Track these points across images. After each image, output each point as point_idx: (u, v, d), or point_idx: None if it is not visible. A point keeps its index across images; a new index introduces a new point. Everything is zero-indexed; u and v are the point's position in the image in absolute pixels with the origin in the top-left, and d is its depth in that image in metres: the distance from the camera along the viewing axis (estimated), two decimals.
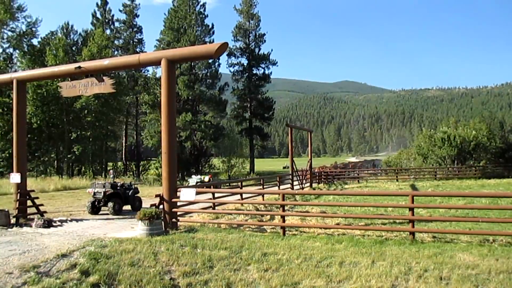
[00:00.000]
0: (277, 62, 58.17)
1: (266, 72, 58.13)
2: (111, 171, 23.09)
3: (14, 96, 14.52)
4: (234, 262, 8.28)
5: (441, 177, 35.83)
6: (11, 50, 49.95)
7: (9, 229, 12.19)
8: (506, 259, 7.78)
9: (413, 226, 10.01)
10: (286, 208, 12.17)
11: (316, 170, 35.16)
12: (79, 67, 13.03)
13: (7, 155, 40.67)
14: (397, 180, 35.75)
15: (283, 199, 11.39)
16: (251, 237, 10.14)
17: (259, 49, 57.92)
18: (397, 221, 12.53)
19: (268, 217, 14.38)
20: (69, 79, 14.39)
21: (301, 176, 27.20)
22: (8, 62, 48.34)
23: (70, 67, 13.61)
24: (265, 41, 58.51)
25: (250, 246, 9.13)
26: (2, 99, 40.89)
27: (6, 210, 13.32)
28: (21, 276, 7.09)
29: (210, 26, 52.29)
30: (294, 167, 26.08)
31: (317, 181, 32.94)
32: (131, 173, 51.82)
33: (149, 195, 20.37)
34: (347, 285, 7.16)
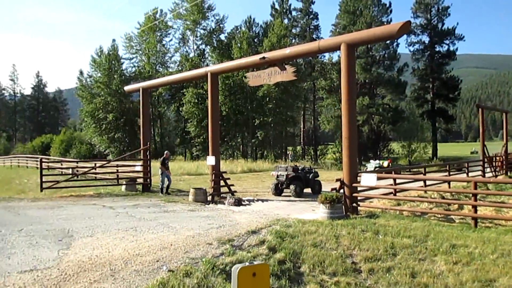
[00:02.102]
0: (463, 37, 52.62)
1: (451, 48, 53.03)
2: (290, 154, 24.02)
3: (208, 87, 16.23)
4: (418, 251, 7.89)
5: None
6: (203, 46, 56.19)
7: (206, 205, 13.82)
8: None
9: None
10: (478, 197, 11.07)
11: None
12: (264, 57, 13.86)
13: (202, 140, 46.01)
14: None
15: (475, 187, 10.37)
16: (437, 226, 9.51)
17: (443, 24, 53.07)
18: None
19: (456, 206, 13.29)
20: (254, 69, 15.47)
21: (494, 163, 24.34)
22: (201, 57, 54.42)
23: (255, 58, 14.58)
24: (449, 14, 53.30)
25: (436, 236, 8.58)
26: (197, 90, 46.22)
27: (204, 188, 15.14)
28: (219, 247, 7.95)
29: (387, 5, 50.07)
30: (486, 152, 23.45)
31: None
32: (309, 157, 53.39)
33: (327, 179, 20.70)
34: None
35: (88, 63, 60.49)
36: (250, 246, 8.17)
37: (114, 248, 7.75)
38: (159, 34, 57.32)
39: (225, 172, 16.33)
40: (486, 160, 23.42)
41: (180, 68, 52.69)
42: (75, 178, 19.23)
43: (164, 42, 58.50)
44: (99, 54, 55.06)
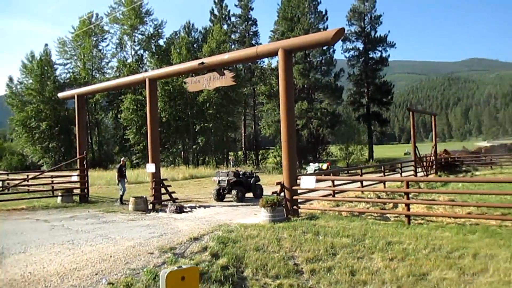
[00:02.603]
0: (395, 44, 55.36)
1: (384, 55, 55.63)
2: (231, 159, 24.10)
3: (147, 93, 15.95)
4: (357, 250, 8.19)
5: None
6: (141, 51, 55.14)
7: (148, 214, 13.53)
8: None
9: None
10: (410, 196, 11.65)
11: (441, 156, 32.77)
12: (202, 63, 13.84)
13: (142, 147, 45.01)
14: None
15: (407, 186, 10.92)
16: (374, 225, 9.93)
17: (375, 32, 55.56)
18: None
19: (391, 205, 13.91)
20: (194, 74, 15.39)
21: (425, 163, 25.73)
22: (139, 62, 53.33)
23: (194, 63, 14.53)
24: (381, 22, 55.90)
25: (373, 234, 8.95)
26: (136, 96, 45.23)
27: (144, 197, 14.82)
28: (160, 256, 7.83)
29: (324, 13, 51.59)
30: (417, 153, 24.76)
31: (441, 168, 30.76)
32: (251, 162, 53.71)
33: (268, 183, 20.95)
34: (482, 278, 6.64)
35: (18, 69, 57.54)
36: (193, 253, 8.11)
37: (49, 264, 7.41)
38: (95, 39, 55.51)
39: (166, 180, 16.08)
40: (417, 160, 24.69)
41: (117, 74, 51.26)
42: (6, 191, 18.15)
43: (100, 47, 56.84)
44: (30, 59, 52.43)
